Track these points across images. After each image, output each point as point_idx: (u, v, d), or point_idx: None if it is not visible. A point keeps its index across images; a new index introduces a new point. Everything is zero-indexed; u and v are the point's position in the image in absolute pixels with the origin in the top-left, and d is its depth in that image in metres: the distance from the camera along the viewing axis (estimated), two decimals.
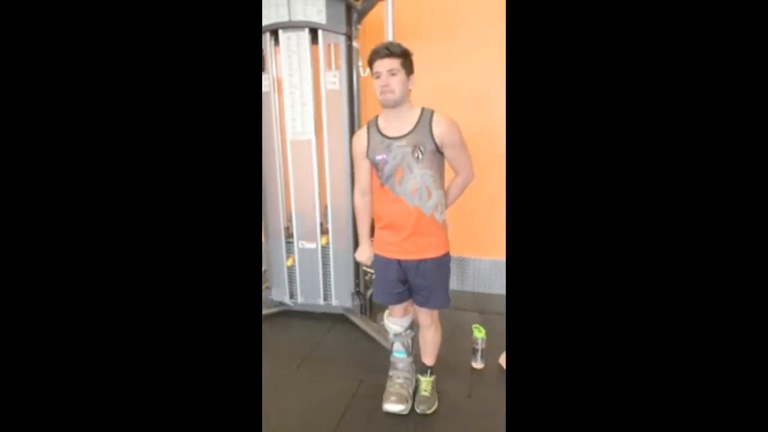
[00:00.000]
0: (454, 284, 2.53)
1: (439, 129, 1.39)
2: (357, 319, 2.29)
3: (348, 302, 2.34)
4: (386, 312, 1.73)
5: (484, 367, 1.91)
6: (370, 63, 1.39)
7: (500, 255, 2.63)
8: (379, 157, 1.41)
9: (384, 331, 2.06)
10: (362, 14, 2.01)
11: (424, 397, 1.65)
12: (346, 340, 2.19)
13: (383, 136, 1.42)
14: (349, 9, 1.99)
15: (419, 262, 1.49)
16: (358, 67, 2.09)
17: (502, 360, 1.94)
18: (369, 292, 2.16)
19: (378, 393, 1.72)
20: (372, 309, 2.05)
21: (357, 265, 2.34)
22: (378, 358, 2.01)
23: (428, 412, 1.62)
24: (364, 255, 1.63)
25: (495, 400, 1.71)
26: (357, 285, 2.35)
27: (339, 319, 2.37)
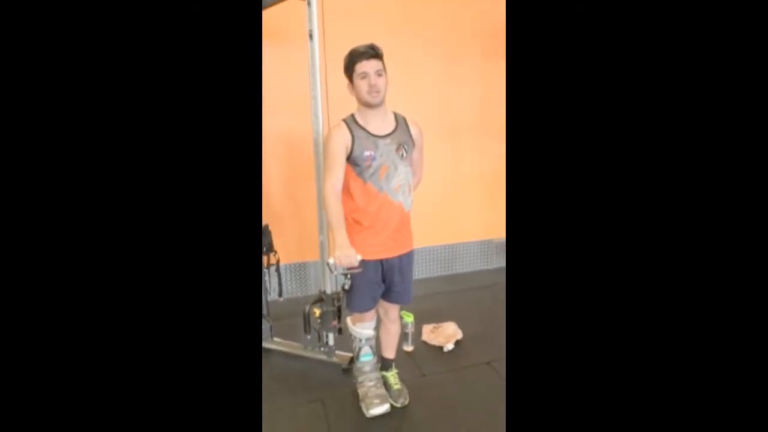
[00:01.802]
0: None
1: (414, 130, 1.52)
2: (270, 344, 2.10)
3: None
4: (349, 319, 1.70)
5: (415, 348, 2.10)
6: (353, 64, 1.36)
7: None
8: (367, 153, 1.40)
9: (313, 344, 1.98)
10: None
11: (398, 390, 1.71)
12: (269, 367, 1.98)
13: (368, 132, 1.42)
14: None
15: (401, 258, 1.55)
16: None
17: (426, 337, 2.17)
18: (308, 308, 1.99)
19: (348, 405, 1.68)
20: (309, 326, 1.92)
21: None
22: (318, 372, 1.92)
23: (407, 403, 1.69)
24: (349, 254, 1.36)
25: (446, 371, 1.92)
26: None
27: None
